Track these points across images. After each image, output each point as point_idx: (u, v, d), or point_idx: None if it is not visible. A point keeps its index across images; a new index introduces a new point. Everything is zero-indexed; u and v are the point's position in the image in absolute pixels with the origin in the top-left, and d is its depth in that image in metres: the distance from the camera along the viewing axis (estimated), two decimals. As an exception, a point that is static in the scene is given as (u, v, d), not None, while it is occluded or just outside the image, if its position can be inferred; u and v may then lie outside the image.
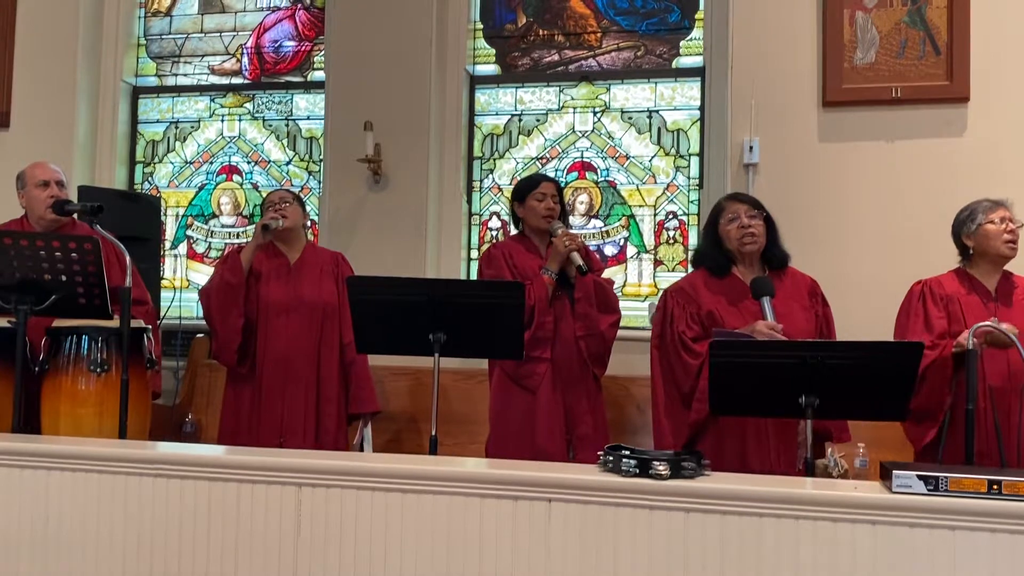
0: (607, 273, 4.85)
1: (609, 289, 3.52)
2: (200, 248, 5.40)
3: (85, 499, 2.39)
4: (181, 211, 5.43)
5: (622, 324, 4.84)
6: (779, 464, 2.87)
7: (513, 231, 3.71)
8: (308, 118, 5.31)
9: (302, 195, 5.02)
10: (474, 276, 4.74)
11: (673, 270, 4.81)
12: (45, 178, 3.48)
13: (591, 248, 4.79)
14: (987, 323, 2.85)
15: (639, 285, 4.86)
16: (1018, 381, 2.95)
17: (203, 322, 3.82)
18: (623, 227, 4.89)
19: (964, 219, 3.20)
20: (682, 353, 2.96)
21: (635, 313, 4.82)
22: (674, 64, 4.91)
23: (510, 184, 4.97)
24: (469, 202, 5.04)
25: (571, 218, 4.89)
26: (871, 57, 4.38)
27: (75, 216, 3.59)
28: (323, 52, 5.20)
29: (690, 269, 4.75)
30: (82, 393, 3.20)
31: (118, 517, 2.37)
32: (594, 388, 3.47)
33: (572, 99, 5.00)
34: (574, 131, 4.98)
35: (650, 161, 4.89)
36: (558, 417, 3.36)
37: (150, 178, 5.49)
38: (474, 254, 5.01)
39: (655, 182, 4.87)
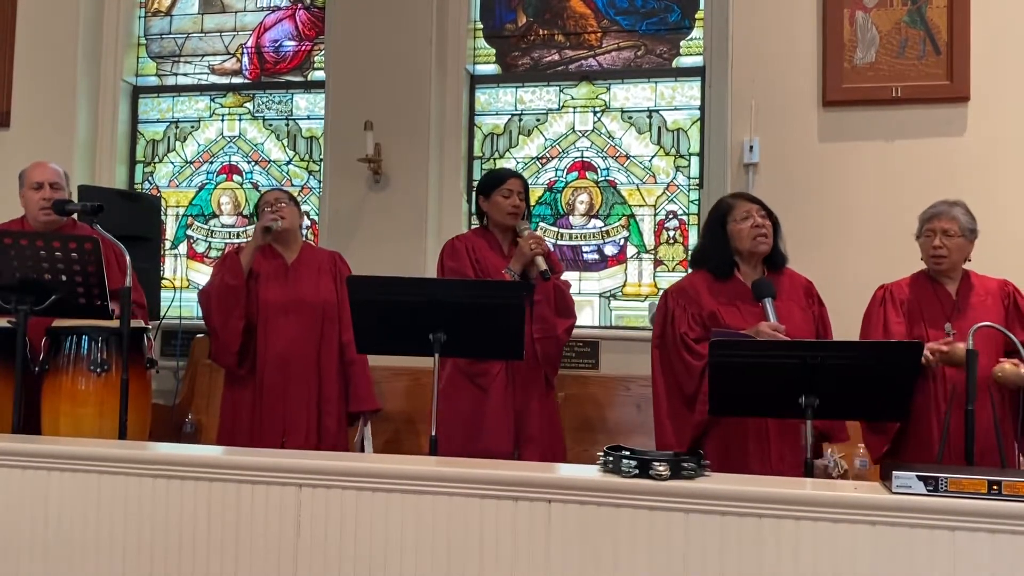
0: (607, 273, 4.88)
1: (567, 293, 3.50)
2: (200, 248, 5.40)
3: (85, 499, 2.39)
4: (181, 211, 5.43)
5: (623, 324, 4.88)
6: (782, 465, 2.86)
7: (475, 224, 3.66)
8: (308, 118, 5.31)
9: (302, 195, 5.04)
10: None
11: (673, 270, 4.81)
12: (39, 180, 3.47)
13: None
14: (940, 343, 2.90)
15: (639, 285, 4.86)
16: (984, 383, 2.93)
17: (203, 322, 3.82)
18: (623, 227, 4.89)
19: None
20: (684, 354, 2.95)
21: (635, 313, 4.82)
22: (674, 64, 4.91)
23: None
24: (469, 202, 5.03)
25: (571, 218, 4.92)
26: (871, 57, 4.38)
27: (75, 216, 3.59)
28: (323, 52, 5.20)
29: (690, 269, 4.79)
30: (82, 393, 3.19)
31: (118, 517, 2.37)
32: (544, 389, 3.45)
33: (572, 99, 5.00)
34: (574, 131, 4.98)
35: (650, 161, 4.89)
36: (508, 417, 3.34)
37: (150, 178, 5.49)
38: (474, 254, 5.01)
39: (655, 182, 4.87)
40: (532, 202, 3.69)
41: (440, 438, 3.32)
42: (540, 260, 3.33)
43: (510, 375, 3.35)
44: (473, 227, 3.72)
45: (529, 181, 3.81)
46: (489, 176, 3.58)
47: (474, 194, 3.61)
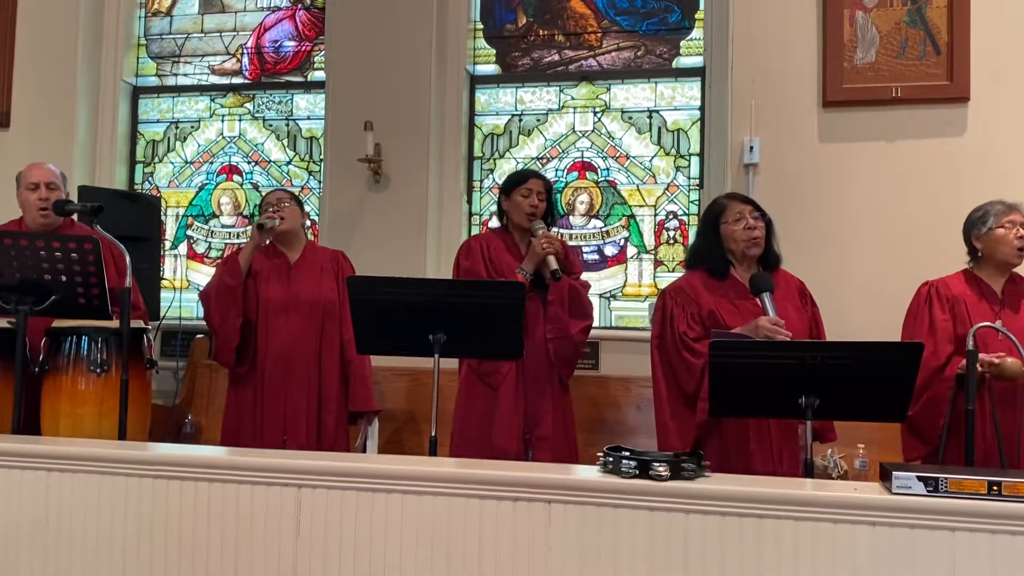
0: (607, 273, 4.88)
1: (584, 294, 3.49)
2: (200, 248, 5.40)
3: (85, 499, 2.39)
4: (181, 211, 5.43)
5: (623, 324, 4.87)
6: (781, 465, 2.87)
7: (496, 224, 3.67)
8: (308, 118, 5.31)
9: (302, 195, 5.03)
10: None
11: (673, 270, 4.81)
12: (35, 181, 3.48)
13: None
14: (992, 357, 2.87)
15: (639, 285, 4.86)
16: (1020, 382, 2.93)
17: (203, 322, 3.83)
18: (623, 227, 4.89)
19: (976, 220, 3.17)
20: (684, 354, 2.93)
21: (635, 313, 4.82)
22: (674, 64, 4.91)
23: (510, 184, 4.97)
24: (469, 202, 5.03)
25: (571, 218, 4.91)
26: (871, 57, 4.37)
27: (75, 216, 3.58)
28: (323, 52, 5.20)
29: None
30: (82, 393, 3.20)
31: (118, 517, 2.37)
32: (559, 390, 3.45)
33: (572, 99, 5.00)
34: (574, 131, 4.98)
35: (650, 161, 4.89)
36: (517, 417, 3.34)
37: (150, 178, 5.49)
38: (474, 254, 5.00)
39: (655, 182, 4.87)
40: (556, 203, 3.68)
41: (456, 436, 3.39)
42: (551, 260, 3.32)
43: (520, 375, 3.35)
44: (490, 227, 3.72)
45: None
46: (512, 175, 3.59)
47: (498, 193, 3.61)
